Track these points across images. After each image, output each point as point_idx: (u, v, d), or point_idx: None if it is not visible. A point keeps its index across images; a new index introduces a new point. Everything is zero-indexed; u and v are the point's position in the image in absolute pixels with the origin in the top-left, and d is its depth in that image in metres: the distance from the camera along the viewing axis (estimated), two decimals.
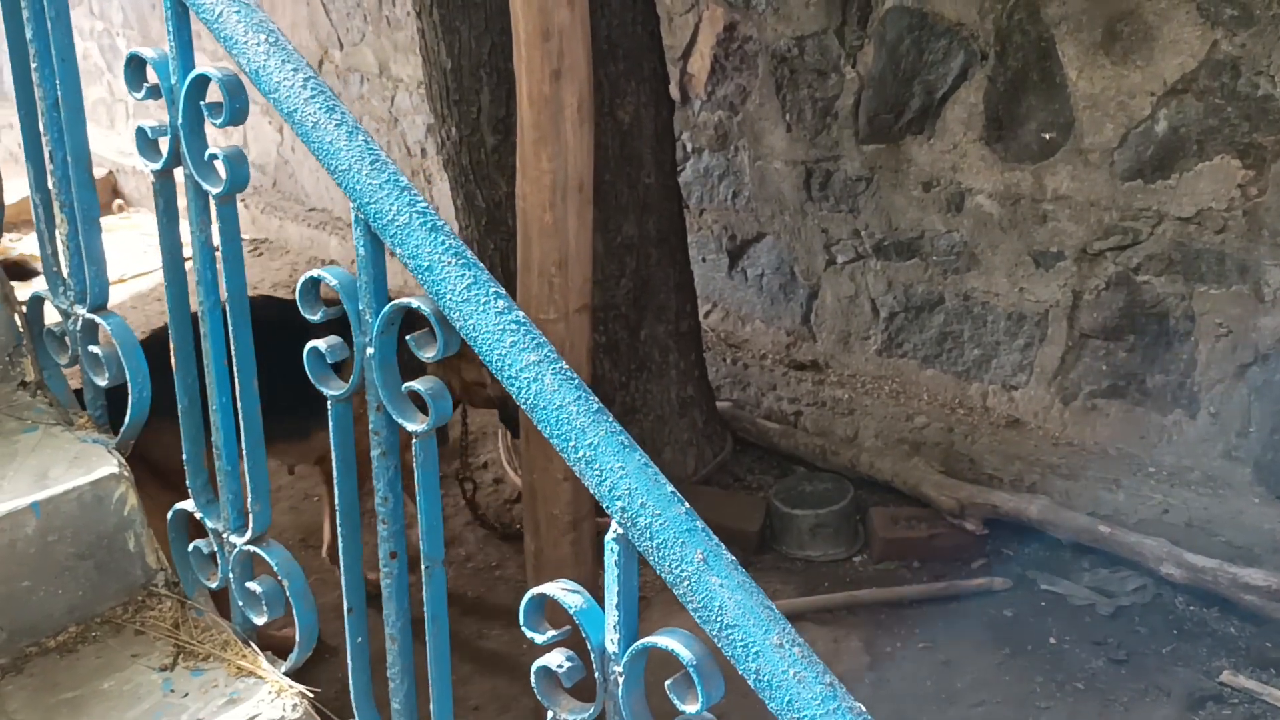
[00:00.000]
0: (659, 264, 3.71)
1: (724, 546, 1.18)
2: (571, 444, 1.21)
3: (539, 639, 1.31)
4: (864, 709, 1.11)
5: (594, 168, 3.48)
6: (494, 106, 3.35)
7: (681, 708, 1.20)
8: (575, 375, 1.25)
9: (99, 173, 6.97)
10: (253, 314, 1.61)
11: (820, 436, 4.11)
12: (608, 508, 1.20)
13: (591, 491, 1.21)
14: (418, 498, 1.44)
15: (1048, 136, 3.59)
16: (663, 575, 1.17)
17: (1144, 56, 3.36)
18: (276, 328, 2.08)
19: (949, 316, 4.02)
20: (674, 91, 4.45)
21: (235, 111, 1.47)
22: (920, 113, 3.86)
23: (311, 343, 1.47)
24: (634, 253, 3.63)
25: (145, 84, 1.59)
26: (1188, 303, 3.47)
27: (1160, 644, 3.27)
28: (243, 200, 6.56)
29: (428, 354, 1.35)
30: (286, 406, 2.48)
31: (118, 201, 7.35)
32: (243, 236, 5.39)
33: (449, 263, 1.29)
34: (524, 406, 1.25)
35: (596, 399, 1.23)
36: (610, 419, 1.22)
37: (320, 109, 1.37)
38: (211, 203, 1.56)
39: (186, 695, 1.74)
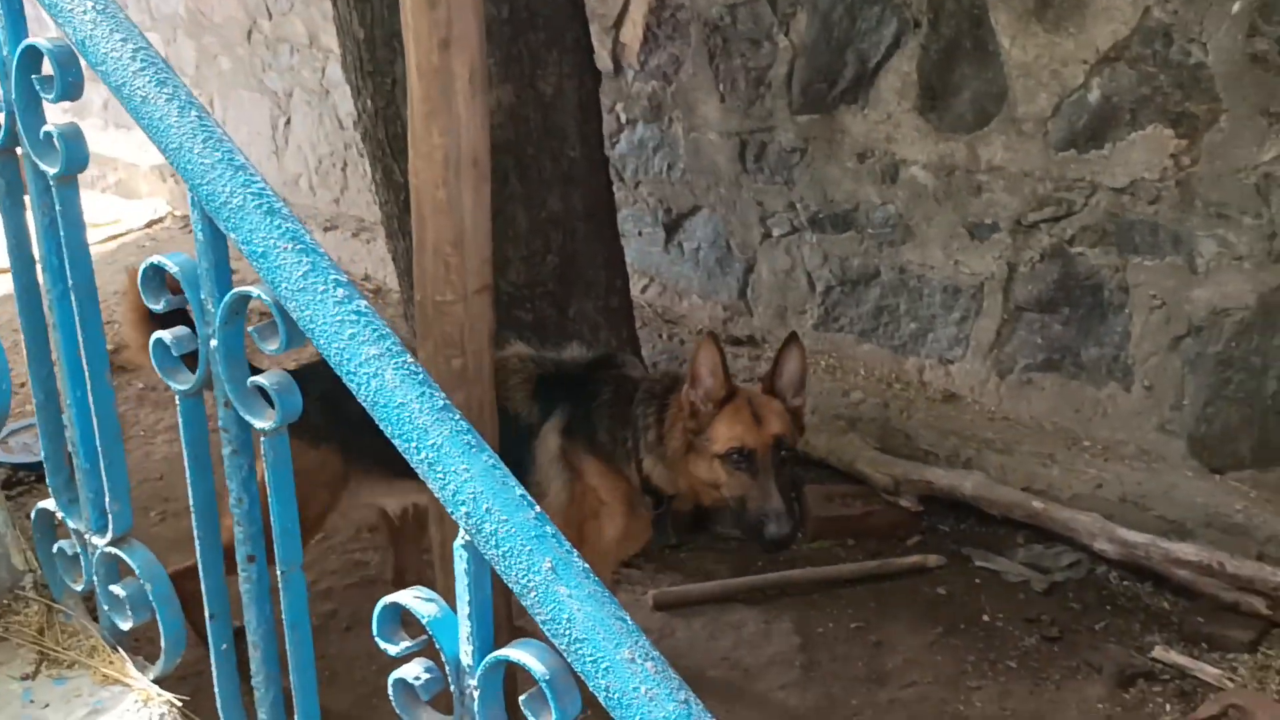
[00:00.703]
0: (586, 239, 3.60)
1: (576, 553, 1.09)
2: (413, 445, 1.12)
3: (392, 650, 1.23)
4: None
5: (516, 141, 3.40)
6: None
7: None
8: (421, 371, 1.16)
9: None
10: None
11: None
12: (452, 513, 1.12)
13: (435, 495, 1.12)
14: (270, 500, 1.35)
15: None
16: (510, 585, 1.09)
17: (1076, 24, 3.28)
18: None
19: (885, 290, 3.95)
20: (607, 61, 4.34)
21: (68, 85, 1.36)
22: (854, 82, 3.77)
23: (156, 333, 1.37)
24: (560, 228, 3.52)
25: None
26: (1122, 274, 3.42)
27: (1093, 620, 3.24)
28: (173, 175, 6.39)
29: (270, 346, 1.26)
30: None
31: None
32: (174, 213, 5.15)
33: (285, 248, 1.19)
34: (364, 403, 1.16)
35: (443, 396, 1.14)
36: (457, 417, 1.13)
37: (150, 82, 1.26)
38: (51, 184, 1.44)
39: (47, 706, 1.65)
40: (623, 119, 4.45)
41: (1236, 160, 3.11)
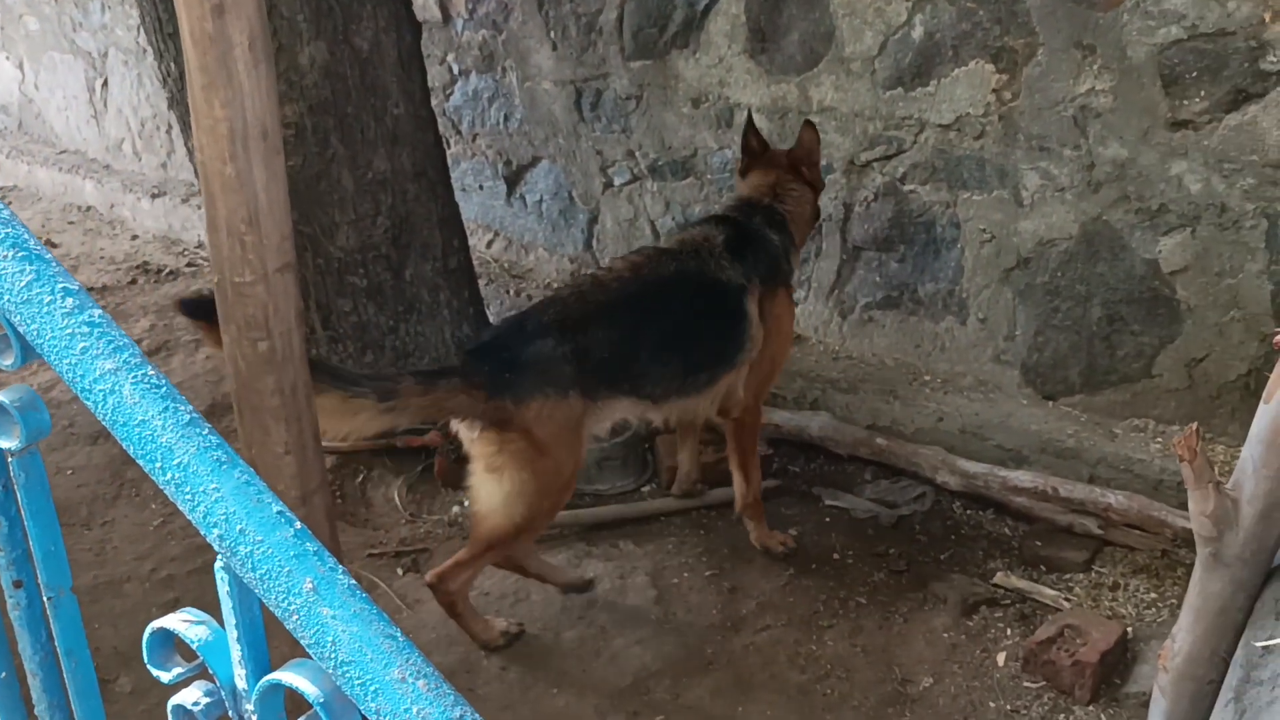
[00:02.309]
0: (418, 199, 3.49)
1: (341, 570, 1.03)
2: (158, 465, 1.04)
3: (165, 677, 1.15)
4: None
5: (334, 101, 3.25)
6: None
7: None
8: (164, 382, 1.07)
9: None
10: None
11: None
12: (205, 535, 1.04)
13: (186, 516, 1.04)
14: (27, 523, 1.25)
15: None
16: (271, 609, 1.02)
17: None
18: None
19: None
20: (435, 11, 4.20)
21: None
22: (684, 26, 3.72)
23: None
24: (388, 189, 3.40)
25: None
26: (953, 210, 3.47)
27: (939, 551, 3.31)
28: None
29: (5, 362, 1.15)
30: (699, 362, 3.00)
31: None
32: None
33: (5, 256, 1.08)
34: (104, 422, 1.07)
35: (190, 409, 1.06)
36: (206, 431, 1.05)
37: None
38: None
39: None
40: (455, 70, 4.32)
41: (1054, 93, 3.16)
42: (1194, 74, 2.95)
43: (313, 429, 2.19)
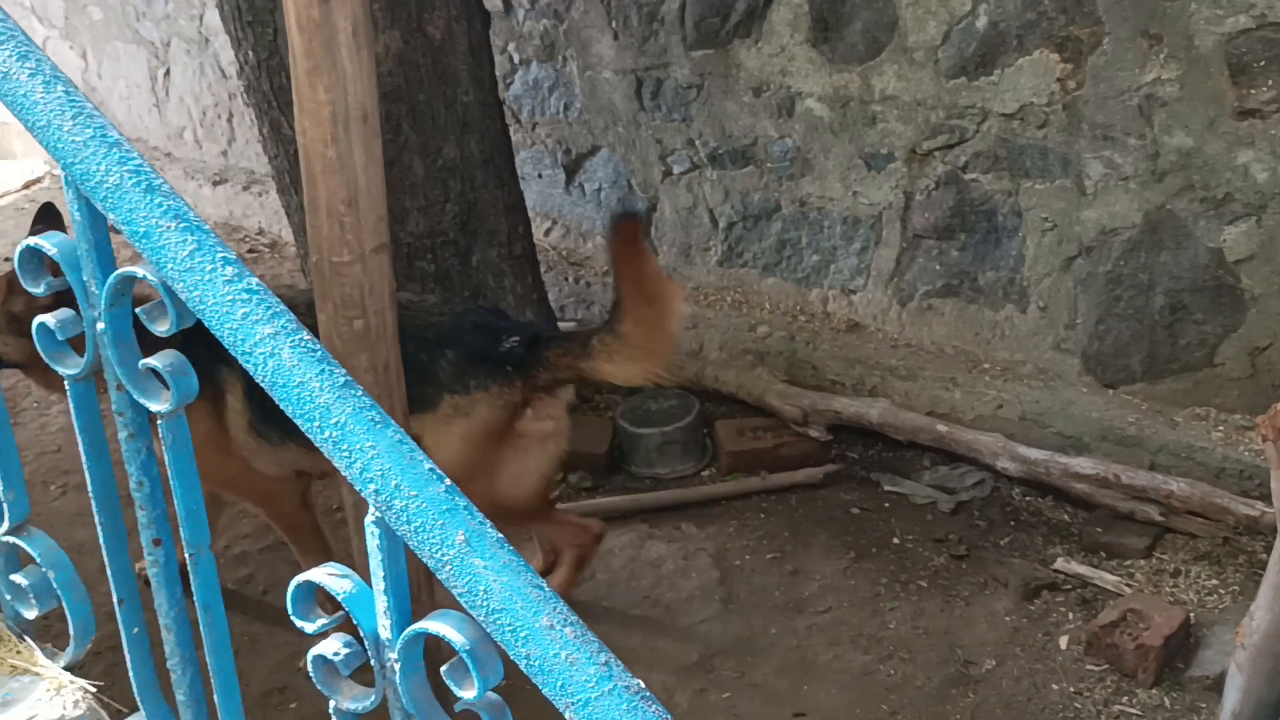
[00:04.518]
0: (486, 186, 3.56)
1: (489, 524, 1.09)
2: (316, 424, 1.10)
3: (309, 629, 1.22)
4: (641, 685, 1.04)
5: (406, 88, 3.32)
6: None
7: (459, 694, 1.12)
8: (319, 347, 1.13)
9: None
10: None
11: None
12: (360, 490, 1.10)
13: (342, 474, 1.10)
14: (171, 483, 1.31)
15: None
16: (424, 560, 1.08)
17: None
18: None
19: (786, 224, 3.98)
20: (496, 1, 4.25)
21: None
22: (746, 15, 3.75)
23: (40, 317, 1.32)
24: (458, 176, 3.46)
25: None
26: (1014, 199, 3.49)
27: (998, 536, 3.35)
28: None
29: (160, 328, 1.22)
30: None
31: None
32: (52, 173, 4.98)
33: (168, 227, 1.15)
34: (263, 384, 1.13)
35: (343, 372, 1.12)
36: (360, 393, 1.12)
37: (10, 55, 1.20)
38: None
39: None
40: (515, 59, 4.38)
41: (1120, 82, 3.18)
42: (1262, 63, 2.96)
43: (402, 406, 2.25)
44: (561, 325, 4.08)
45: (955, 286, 3.70)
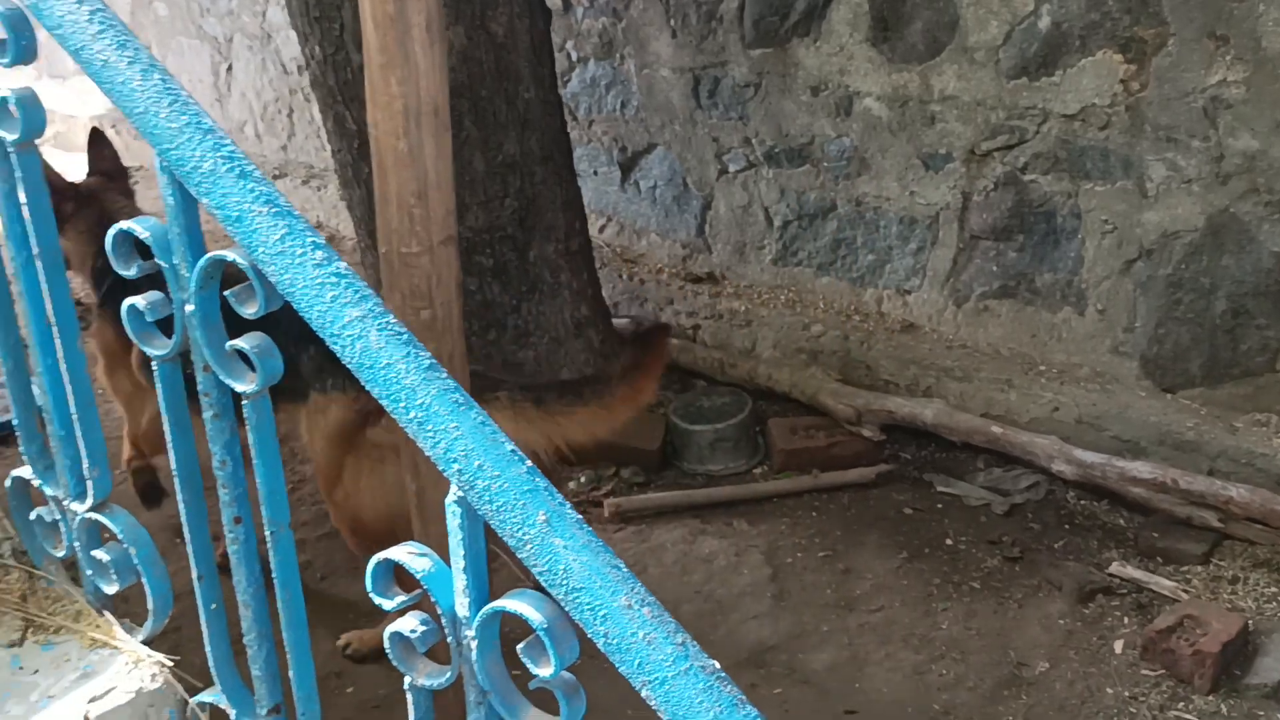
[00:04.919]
0: (544, 182, 3.59)
1: (569, 505, 1.11)
2: (402, 405, 1.13)
3: (387, 605, 1.25)
4: (717, 665, 1.06)
5: (469, 84, 3.36)
6: (358, 22, 3.12)
7: (535, 671, 1.15)
8: (404, 330, 1.16)
9: None
10: None
11: (718, 350, 4.07)
12: (444, 470, 1.13)
13: (426, 454, 1.13)
14: (254, 461, 1.35)
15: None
16: (505, 539, 1.11)
17: None
18: None
19: (842, 223, 3.98)
20: None
21: (21, 50, 1.34)
22: (805, 14, 3.76)
23: (129, 300, 1.36)
24: (517, 171, 3.50)
25: None
26: (1074, 200, 3.47)
27: (1052, 539, 3.33)
28: (113, 126, 6.24)
29: (248, 310, 1.25)
30: None
31: None
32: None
33: (260, 212, 1.18)
34: (350, 366, 1.16)
35: (428, 355, 1.15)
36: (444, 376, 1.14)
37: (110, 45, 1.24)
38: (10, 151, 1.42)
39: (37, 672, 1.65)
40: (573, 57, 4.41)
41: (1184, 84, 3.15)
42: None
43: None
44: (615, 322, 4.11)
45: (1012, 288, 3.68)
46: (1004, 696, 2.84)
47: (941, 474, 3.60)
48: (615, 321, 4.11)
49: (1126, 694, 2.81)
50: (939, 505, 3.51)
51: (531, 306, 3.71)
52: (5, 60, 1.35)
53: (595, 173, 4.54)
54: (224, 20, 5.60)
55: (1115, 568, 3.17)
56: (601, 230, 4.60)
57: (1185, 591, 3.05)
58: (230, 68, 5.72)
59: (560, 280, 3.74)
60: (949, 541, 3.36)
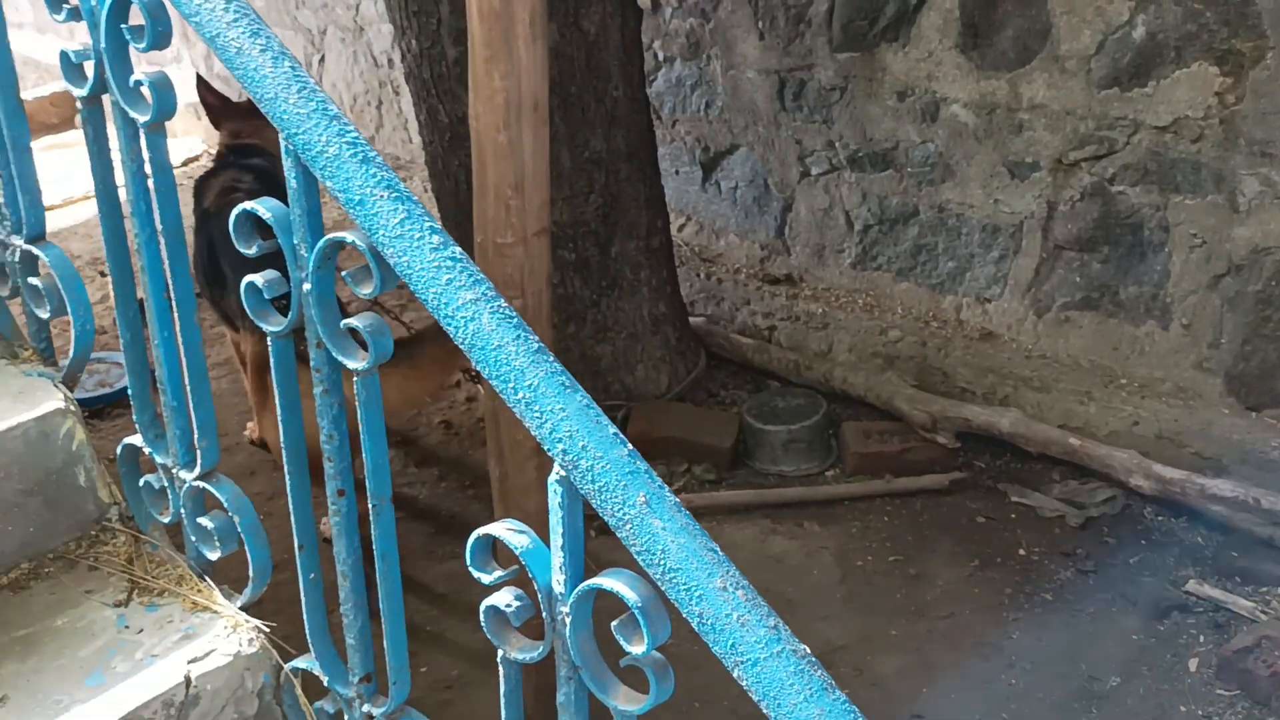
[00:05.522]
0: (629, 179, 3.64)
1: (667, 489, 1.15)
2: (510, 385, 1.17)
3: (486, 579, 1.29)
4: (808, 650, 1.09)
5: (560, 81, 3.41)
6: (454, 17, 3.24)
7: (628, 649, 1.19)
8: (515, 314, 1.20)
9: (60, 86, 6.80)
10: None
11: (794, 351, 4.09)
12: (549, 450, 1.17)
13: (532, 434, 1.18)
14: (362, 437, 1.41)
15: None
16: (605, 518, 1.15)
17: None
18: None
19: (923, 229, 3.97)
20: None
21: (158, 35, 1.40)
22: (895, 19, 3.76)
23: (249, 277, 1.42)
24: (603, 168, 3.55)
25: (66, 5, 1.52)
26: (1162, 213, 3.43)
27: (1128, 554, 3.30)
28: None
29: (364, 290, 1.31)
30: None
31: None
32: (209, 151, 5.24)
33: (381, 196, 1.23)
34: (462, 346, 1.21)
35: (536, 339, 1.19)
36: (551, 359, 1.19)
37: (244, 33, 1.30)
38: (140, 131, 1.49)
39: (141, 631, 1.72)
40: (660, 56, 4.45)
41: None
42: None
43: None
44: (693, 320, 4.14)
45: (1095, 299, 3.65)
46: (1074, 709, 2.82)
47: (1016, 484, 3.58)
48: (692, 320, 4.15)
49: (1200, 713, 2.78)
50: (1012, 515, 3.49)
51: (611, 302, 3.76)
52: (142, 45, 1.42)
53: (677, 172, 4.58)
54: (318, 13, 5.73)
55: (1192, 585, 3.13)
56: (681, 229, 4.64)
57: (1264, 612, 3.01)
58: (323, 59, 5.85)
59: (640, 277, 3.78)
60: (1021, 552, 3.34)
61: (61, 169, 5.16)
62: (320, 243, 1.33)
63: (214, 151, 3.69)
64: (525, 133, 2.07)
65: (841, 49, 3.92)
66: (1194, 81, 3.25)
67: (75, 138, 6.50)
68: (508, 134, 2.05)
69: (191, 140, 6.41)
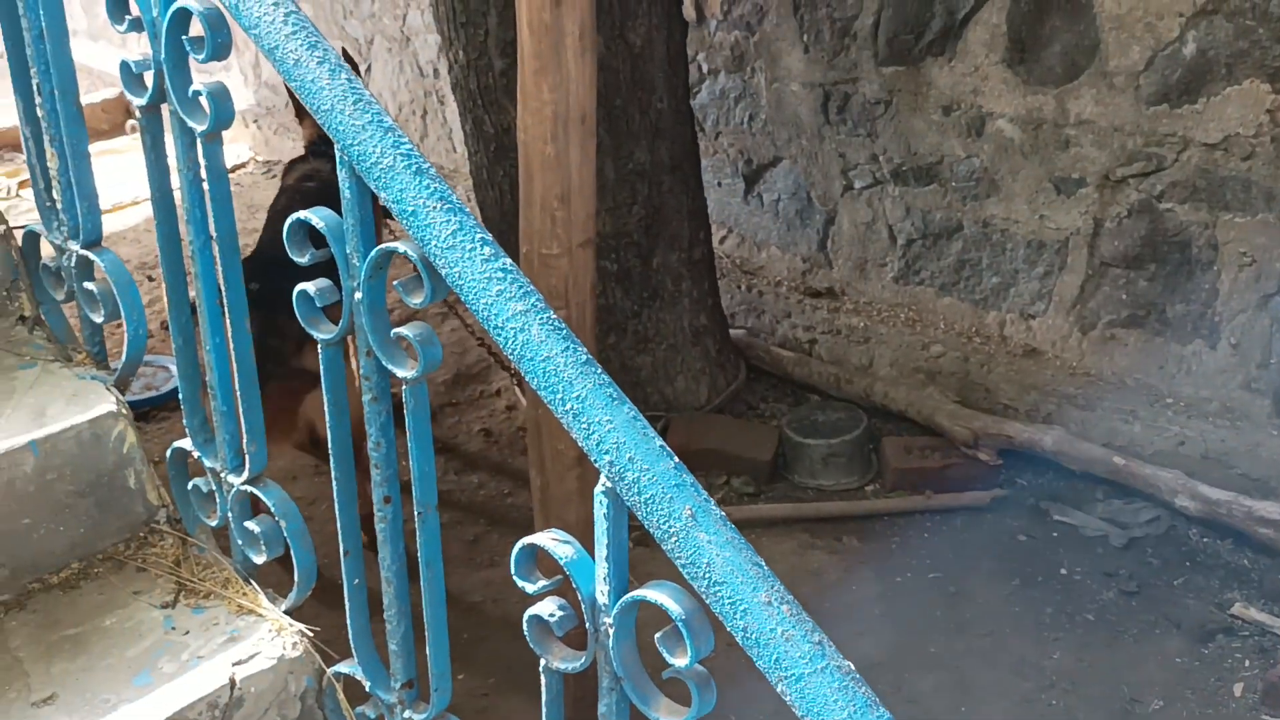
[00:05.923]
0: (671, 191, 3.65)
1: (713, 502, 1.15)
2: (558, 396, 1.18)
3: (530, 588, 1.30)
4: (852, 667, 1.09)
5: (605, 93, 3.43)
6: (502, 29, 3.27)
7: (671, 660, 1.19)
8: (564, 325, 1.21)
9: (111, 93, 6.91)
10: None
11: (835, 365, 4.07)
12: (595, 461, 1.18)
13: (579, 445, 1.18)
14: (409, 445, 1.42)
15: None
16: (650, 530, 1.15)
17: None
18: None
19: (967, 244, 3.95)
20: (690, 11, 4.34)
21: (217, 47, 1.42)
22: (941, 34, 3.75)
23: (300, 285, 1.44)
24: (646, 180, 3.56)
25: (127, 16, 1.55)
26: (1211, 231, 3.39)
27: (1172, 576, 3.26)
28: (255, 121, 6.50)
29: (415, 300, 1.32)
30: None
31: (131, 122, 7.29)
32: (255, 159, 5.33)
33: (434, 208, 1.25)
34: (510, 356, 1.22)
35: (585, 351, 1.20)
36: (599, 370, 1.19)
37: (302, 45, 1.32)
38: (198, 140, 1.52)
39: (188, 633, 1.74)
40: (704, 69, 4.46)
41: None
42: None
43: None
44: (733, 332, 4.14)
45: (1141, 317, 3.61)
46: None
47: (1058, 503, 3.55)
48: (732, 332, 4.15)
49: None
50: (1054, 534, 3.46)
51: (652, 313, 3.77)
52: (201, 56, 1.44)
53: (719, 184, 4.58)
54: (365, 23, 5.79)
55: (1238, 609, 3.08)
56: (722, 241, 4.64)
57: None
58: (369, 68, 5.91)
59: (681, 289, 3.79)
60: (1063, 571, 3.31)
61: (112, 175, 5.25)
62: (372, 252, 1.35)
63: (260, 159, 3.76)
64: (573, 145, 2.08)
65: (886, 63, 3.91)
66: (1245, 99, 3.21)
67: (125, 144, 6.62)
68: (555, 146, 2.07)
69: (239, 147, 6.50)
